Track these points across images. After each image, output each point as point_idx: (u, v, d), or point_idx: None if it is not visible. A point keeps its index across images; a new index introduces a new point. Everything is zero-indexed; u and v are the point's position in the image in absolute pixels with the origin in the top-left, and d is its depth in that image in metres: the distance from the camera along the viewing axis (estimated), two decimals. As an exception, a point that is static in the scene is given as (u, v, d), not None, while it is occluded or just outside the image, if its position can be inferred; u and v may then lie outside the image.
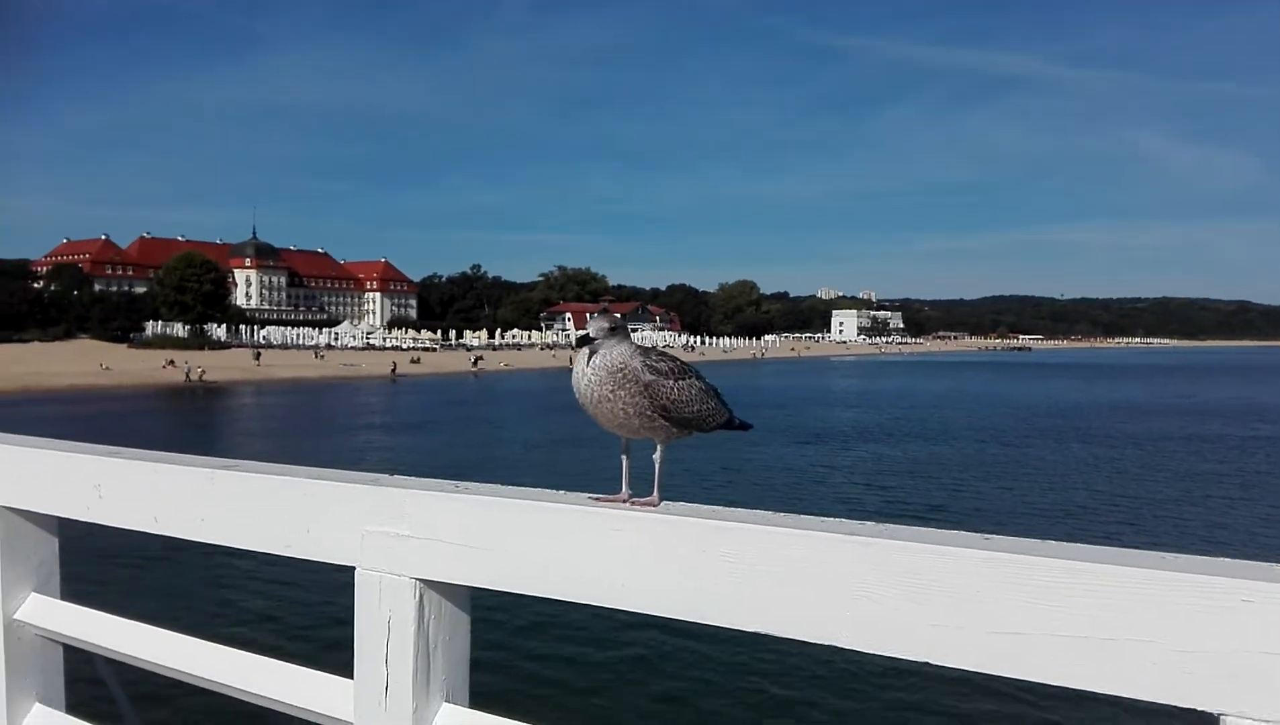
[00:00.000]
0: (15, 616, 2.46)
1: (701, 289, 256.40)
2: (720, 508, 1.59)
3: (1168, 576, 1.18)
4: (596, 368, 1.72)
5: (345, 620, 1.88)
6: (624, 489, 1.74)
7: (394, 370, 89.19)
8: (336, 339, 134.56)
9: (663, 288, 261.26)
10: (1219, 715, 1.14)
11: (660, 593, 1.52)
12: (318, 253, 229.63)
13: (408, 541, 1.77)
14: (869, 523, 1.46)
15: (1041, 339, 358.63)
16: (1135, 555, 1.26)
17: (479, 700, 1.88)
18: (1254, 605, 1.13)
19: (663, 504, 1.66)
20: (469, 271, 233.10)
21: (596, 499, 1.70)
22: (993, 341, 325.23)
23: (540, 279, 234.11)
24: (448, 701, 1.81)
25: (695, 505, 1.63)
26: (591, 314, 1.78)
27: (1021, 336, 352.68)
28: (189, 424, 45.59)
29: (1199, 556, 1.25)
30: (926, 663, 1.33)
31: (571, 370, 1.78)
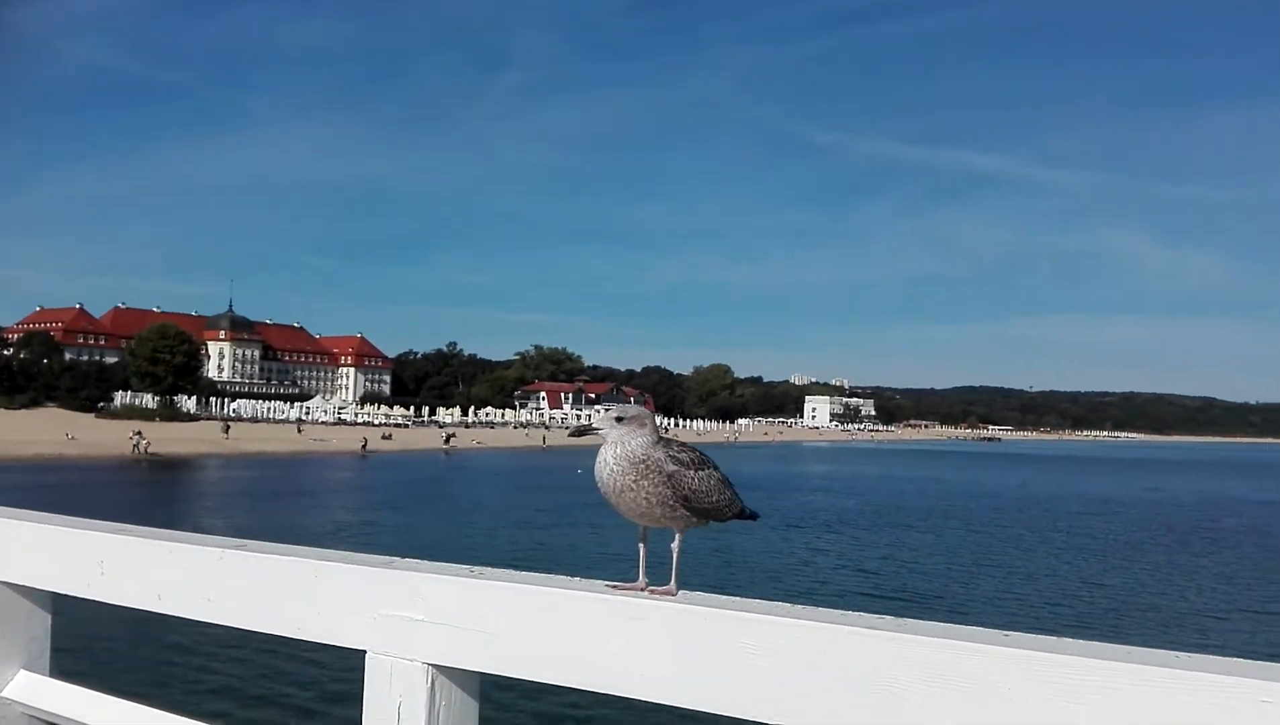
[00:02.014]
0: (2, 694, 2.42)
1: (676, 371, 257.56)
2: (738, 599, 1.61)
3: (1185, 675, 1.18)
4: (619, 458, 1.76)
5: (353, 704, 1.87)
6: (641, 577, 1.76)
7: (364, 446, 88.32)
8: (308, 413, 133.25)
9: (638, 369, 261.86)
10: None
11: (681, 683, 1.53)
12: (293, 327, 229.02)
13: (422, 626, 1.78)
14: (887, 617, 1.47)
15: (1011, 430, 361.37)
16: (1148, 654, 1.27)
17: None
18: (1272, 706, 1.13)
19: (680, 594, 1.69)
20: (445, 348, 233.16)
21: (614, 587, 1.72)
22: (963, 431, 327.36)
23: (516, 358, 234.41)
24: (455, 791, 1.80)
25: (713, 595, 1.66)
26: (604, 406, 1.83)
27: (991, 427, 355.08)
28: (146, 498, 44.73)
29: (1215, 657, 1.26)
30: None
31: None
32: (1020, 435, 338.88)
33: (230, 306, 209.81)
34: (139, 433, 76.03)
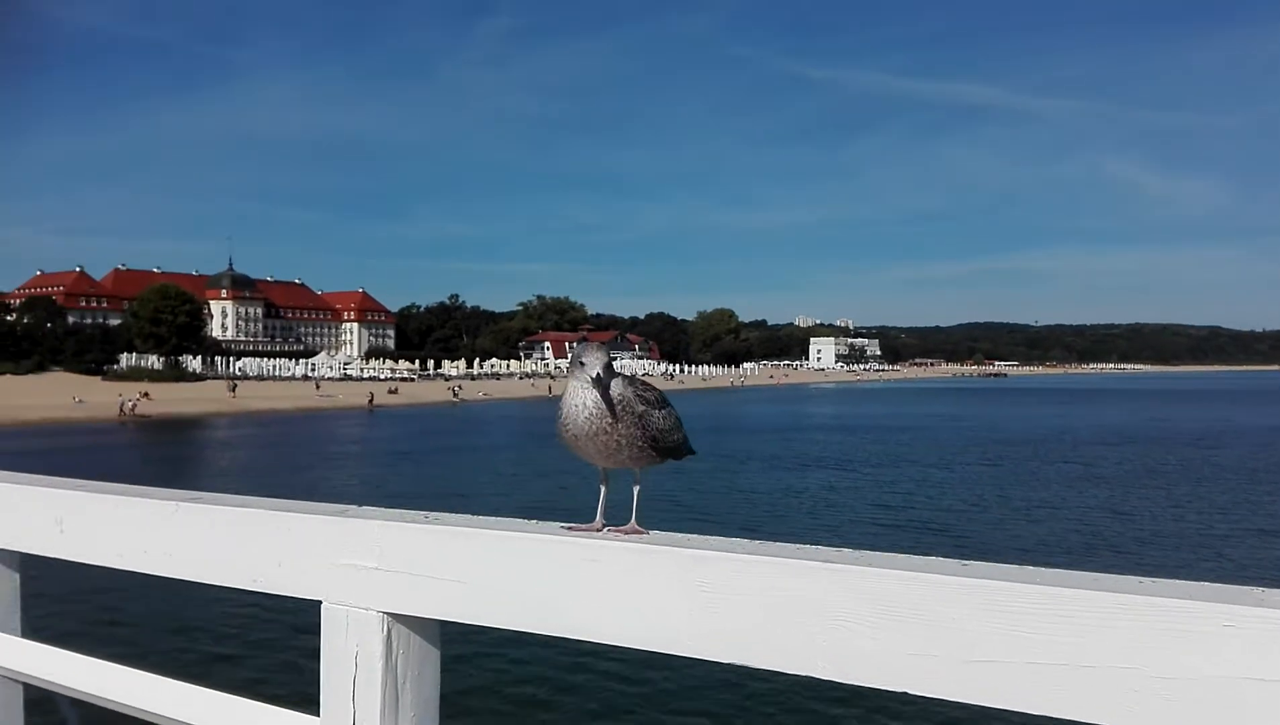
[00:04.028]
0: (-27, 656, 2.39)
1: (680, 317, 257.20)
2: (695, 536, 1.57)
3: (1146, 601, 1.15)
4: (599, 401, 1.70)
5: (314, 656, 1.83)
6: (599, 518, 1.71)
7: (371, 401, 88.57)
8: (314, 370, 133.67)
9: (641, 316, 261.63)
10: None
11: (636, 624, 1.49)
12: (295, 283, 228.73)
13: (376, 574, 1.73)
14: (845, 550, 1.42)
15: (1017, 365, 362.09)
16: (1113, 580, 1.24)
17: (450, 737, 1.83)
18: (1235, 630, 1.09)
19: (638, 533, 1.63)
20: (447, 301, 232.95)
21: (570, 528, 1.67)
22: (969, 368, 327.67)
23: (519, 308, 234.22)
24: (417, 738, 1.76)
25: (670, 534, 1.60)
26: (587, 350, 1.73)
27: (997, 363, 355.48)
28: (159, 457, 45.02)
29: (1178, 581, 1.22)
30: (905, 693, 1.29)
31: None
32: (1027, 370, 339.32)
33: (230, 265, 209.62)
34: (146, 394, 76.25)
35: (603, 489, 1.80)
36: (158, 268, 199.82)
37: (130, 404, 69.31)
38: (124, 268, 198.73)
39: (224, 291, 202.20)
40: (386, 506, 1.90)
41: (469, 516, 1.78)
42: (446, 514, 1.80)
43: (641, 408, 1.74)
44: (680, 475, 31.89)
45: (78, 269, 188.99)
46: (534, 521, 1.73)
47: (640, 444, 1.73)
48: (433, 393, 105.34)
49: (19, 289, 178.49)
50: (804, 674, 1.34)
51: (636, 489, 1.76)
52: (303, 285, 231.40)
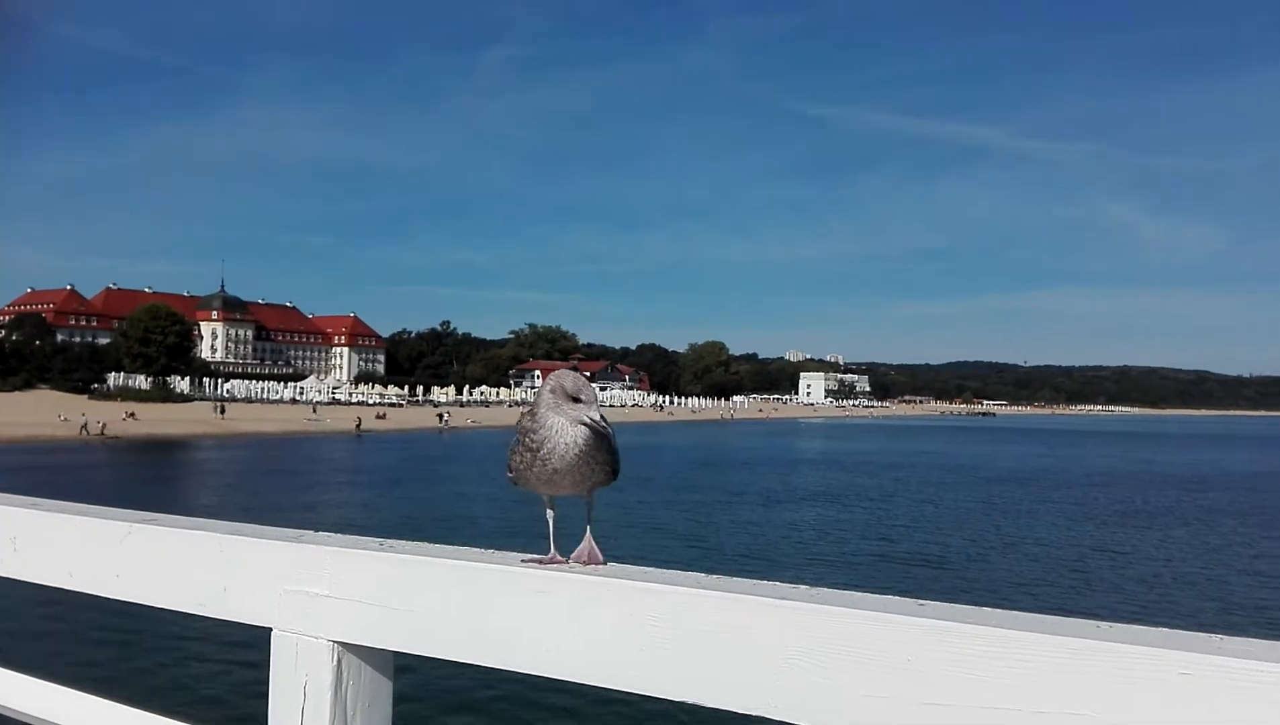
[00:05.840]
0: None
1: (671, 349, 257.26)
2: (650, 569, 1.52)
3: (1101, 646, 1.11)
4: (589, 436, 1.66)
5: (264, 684, 1.79)
6: (552, 548, 1.67)
7: (359, 426, 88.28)
8: (302, 393, 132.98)
9: (632, 347, 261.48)
10: None
11: (586, 658, 1.45)
12: (286, 306, 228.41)
13: (326, 601, 1.68)
14: (802, 586, 1.37)
15: (1005, 405, 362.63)
16: (1069, 624, 1.18)
17: (400, 771, 1.78)
18: (1192, 678, 1.05)
19: (594, 563, 1.60)
20: (439, 327, 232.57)
21: (526, 560, 1.63)
22: (957, 406, 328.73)
23: (511, 336, 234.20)
24: (366, 771, 1.71)
25: (625, 566, 1.56)
26: (582, 388, 1.67)
27: (985, 402, 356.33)
28: (141, 478, 44.65)
29: (1135, 626, 1.17)
30: None
31: (533, 430, 1.69)
32: (1014, 410, 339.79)
33: (222, 286, 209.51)
34: (132, 414, 75.62)
35: (551, 518, 1.75)
36: (149, 288, 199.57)
37: (100, 424, 68.36)
38: (115, 287, 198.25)
39: (215, 313, 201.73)
40: (371, 534, 1.85)
41: (424, 544, 1.74)
42: (401, 542, 1.76)
43: (610, 435, 1.70)
44: (679, 508, 32.11)
45: (69, 287, 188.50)
46: (491, 551, 1.68)
47: (609, 469, 1.70)
48: (421, 419, 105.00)
49: (9, 306, 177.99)
50: (756, 713, 1.29)
51: (590, 518, 1.71)
52: (294, 308, 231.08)
